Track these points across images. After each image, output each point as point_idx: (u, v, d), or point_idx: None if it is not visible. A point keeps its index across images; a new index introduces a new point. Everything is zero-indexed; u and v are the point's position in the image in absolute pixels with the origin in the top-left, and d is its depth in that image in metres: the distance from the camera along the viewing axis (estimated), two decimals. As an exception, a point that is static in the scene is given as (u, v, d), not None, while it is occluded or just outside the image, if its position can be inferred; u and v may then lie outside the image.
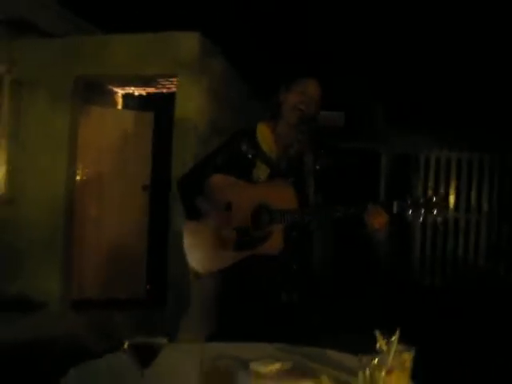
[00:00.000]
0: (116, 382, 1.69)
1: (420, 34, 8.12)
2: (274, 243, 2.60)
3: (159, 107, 7.41)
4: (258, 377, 1.70)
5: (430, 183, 9.93)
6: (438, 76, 9.66)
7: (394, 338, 1.64)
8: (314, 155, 2.79)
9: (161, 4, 6.69)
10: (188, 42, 5.83)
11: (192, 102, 5.75)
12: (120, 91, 7.88)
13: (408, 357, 1.71)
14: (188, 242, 2.78)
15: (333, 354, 2.05)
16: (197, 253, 2.74)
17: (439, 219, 2.40)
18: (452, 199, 9.72)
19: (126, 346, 1.51)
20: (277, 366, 1.77)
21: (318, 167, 2.79)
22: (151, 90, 7.77)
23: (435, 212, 2.39)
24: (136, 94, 8.01)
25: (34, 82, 6.23)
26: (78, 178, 6.53)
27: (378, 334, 1.70)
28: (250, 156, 2.77)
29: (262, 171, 2.74)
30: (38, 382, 3.56)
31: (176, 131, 5.82)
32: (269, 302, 2.65)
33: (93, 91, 7.08)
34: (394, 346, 1.63)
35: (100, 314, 6.00)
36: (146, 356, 1.52)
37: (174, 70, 5.99)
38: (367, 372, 1.50)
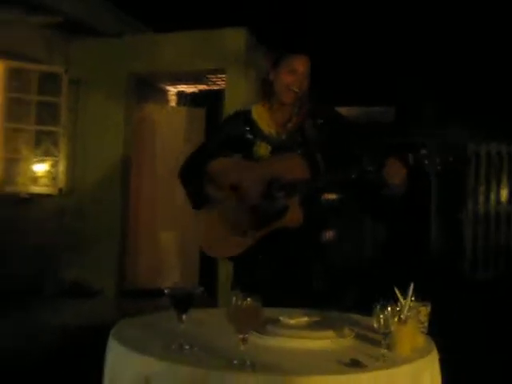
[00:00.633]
0: (159, 329, 1.90)
1: (467, 25, 8.12)
2: (293, 216, 2.53)
3: (211, 104, 7.62)
4: (286, 327, 1.88)
5: (481, 177, 9.87)
6: (486, 69, 9.60)
7: (409, 291, 1.80)
8: (313, 126, 2.69)
9: (209, 2, 6.93)
10: (235, 38, 6.05)
11: (240, 96, 5.94)
12: (172, 89, 8.14)
13: (424, 310, 1.87)
14: (204, 232, 2.72)
15: (358, 316, 2.19)
16: (216, 241, 2.68)
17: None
18: (504, 193, 9.66)
19: (166, 293, 1.71)
20: (304, 318, 1.95)
21: (319, 137, 2.67)
22: (202, 87, 8.01)
23: (450, 159, 2.36)
24: (188, 91, 8.26)
25: (90, 81, 6.57)
26: (132, 172, 6.81)
27: (396, 290, 1.85)
28: (248, 136, 2.73)
29: (262, 149, 2.69)
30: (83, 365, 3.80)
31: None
32: (296, 278, 2.60)
33: (147, 90, 7.39)
34: (409, 298, 1.79)
35: (151, 303, 6.23)
36: (183, 302, 1.72)
37: (222, 66, 6.21)
38: (381, 318, 1.66)
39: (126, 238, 6.72)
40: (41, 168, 6.20)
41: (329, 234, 2.78)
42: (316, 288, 2.65)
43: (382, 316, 1.66)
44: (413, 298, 1.88)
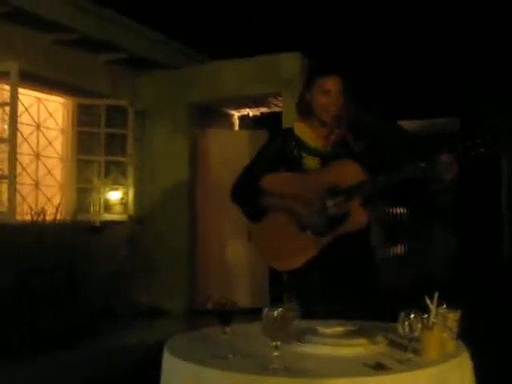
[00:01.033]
0: (206, 341, 2.07)
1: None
2: (357, 218, 2.62)
3: (273, 125, 7.83)
4: (323, 336, 2.02)
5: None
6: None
7: (434, 298, 1.91)
8: (354, 138, 2.76)
9: (264, 29, 7.18)
10: (290, 62, 6.24)
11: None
12: (236, 113, 8.41)
13: (452, 317, 1.97)
14: (263, 245, 2.83)
15: (396, 325, 2.29)
16: (277, 253, 2.76)
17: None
18: None
19: (210, 306, 1.90)
20: (340, 328, 2.08)
21: (359, 149, 2.74)
22: (264, 109, 8.24)
23: (493, 147, 2.38)
24: (251, 114, 8.50)
25: (155, 112, 6.91)
26: (199, 195, 7.07)
27: (426, 298, 1.96)
28: (295, 152, 2.80)
29: (311, 162, 2.77)
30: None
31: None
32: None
33: (212, 116, 7.69)
34: (434, 305, 1.90)
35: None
36: (225, 316, 1.90)
37: (278, 89, 6.42)
38: (406, 324, 1.78)
39: (196, 259, 6.97)
40: (111, 196, 6.55)
41: (397, 249, 2.83)
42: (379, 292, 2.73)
43: (406, 322, 1.78)
44: (444, 306, 1.99)
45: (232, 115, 8.37)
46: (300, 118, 2.90)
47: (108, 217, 6.52)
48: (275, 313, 1.71)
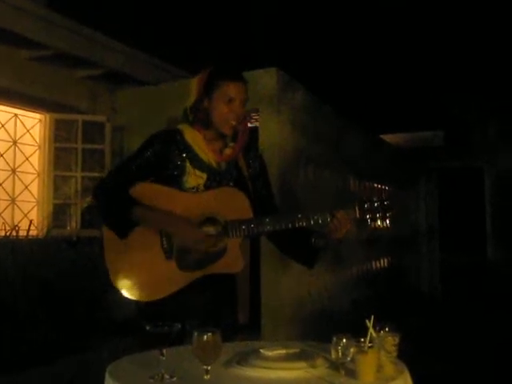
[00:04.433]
0: (146, 364, 2.07)
1: None
2: (232, 260, 2.34)
3: (254, 140, 7.88)
4: (264, 359, 2.02)
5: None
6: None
7: (369, 323, 1.91)
8: (245, 159, 2.55)
9: (244, 45, 7.23)
10: (266, 78, 6.25)
11: (272, 134, 6.14)
12: (218, 129, 8.43)
13: (390, 341, 1.97)
14: (118, 264, 2.39)
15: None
16: (134, 277, 2.37)
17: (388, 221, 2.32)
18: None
19: (147, 328, 1.89)
20: (283, 350, 2.08)
21: (251, 171, 2.54)
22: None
23: (388, 214, 2.32)
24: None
25: (133, 127, 6.90)
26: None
27: (367, 322, 1.96)
28: (179, 162, 2.43)
29: (196, 179, 2.43)
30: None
31: (261, 161, 6.21)
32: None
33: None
34: (370, 330, 1.90)
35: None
36: (164, 337, 1.88)
37: (256, 105, 6.41)
38: (339, 349, 1.79)
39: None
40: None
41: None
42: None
43: (339, 347, 1.79)
44: (386, 329, 2.00)
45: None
46: (193, 123, 2.51)
47: (85, 232, 6.49)
48: (205, 337, 1.72)
